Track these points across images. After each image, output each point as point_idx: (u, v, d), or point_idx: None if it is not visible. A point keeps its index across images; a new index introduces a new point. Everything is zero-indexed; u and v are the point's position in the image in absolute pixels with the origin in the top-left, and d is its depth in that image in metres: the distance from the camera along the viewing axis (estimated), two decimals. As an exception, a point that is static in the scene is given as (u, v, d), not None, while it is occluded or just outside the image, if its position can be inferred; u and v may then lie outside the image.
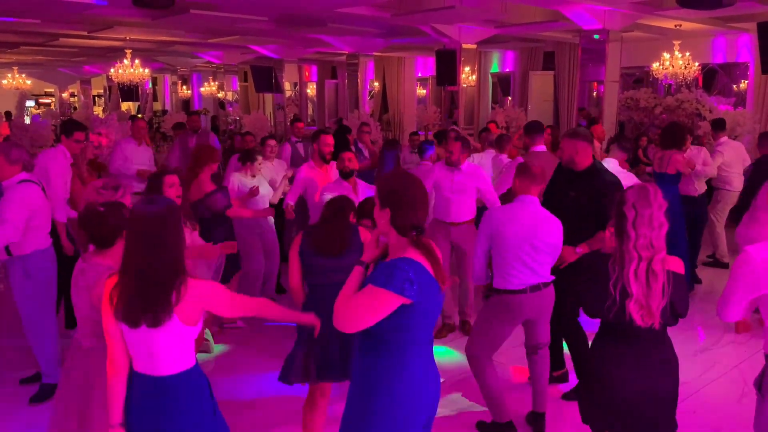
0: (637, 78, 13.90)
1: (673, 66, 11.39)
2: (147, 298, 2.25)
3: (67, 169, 5.05)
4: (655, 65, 11.65)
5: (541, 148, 5.74)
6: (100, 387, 2.55)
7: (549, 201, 4.08)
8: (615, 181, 4.02)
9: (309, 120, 20.33)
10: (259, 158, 5.79)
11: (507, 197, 5.30)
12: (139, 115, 19.41)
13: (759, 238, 5.28)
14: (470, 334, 3.91)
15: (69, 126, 5.24)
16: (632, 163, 8.14)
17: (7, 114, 16.79)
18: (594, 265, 2.61)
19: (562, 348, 4.50)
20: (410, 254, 2.27)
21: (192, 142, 8.35)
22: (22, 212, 3.99)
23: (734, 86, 12.63)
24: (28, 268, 4.14)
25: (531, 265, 3.60)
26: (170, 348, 2.31)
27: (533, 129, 5.81)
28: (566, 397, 4.29)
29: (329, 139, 5.55)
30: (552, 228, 3.62)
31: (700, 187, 6.92)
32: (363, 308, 2.22)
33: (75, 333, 2.91)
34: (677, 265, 2.54)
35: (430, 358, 2.39)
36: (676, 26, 10.89)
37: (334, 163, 5.48)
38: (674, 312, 2.52)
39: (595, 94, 15.97)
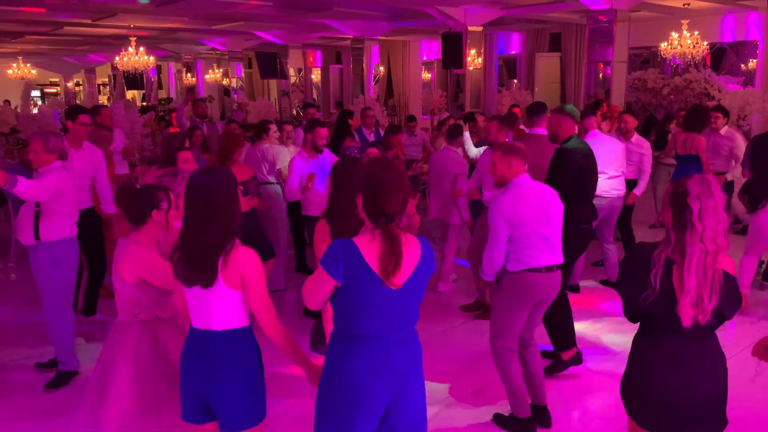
0: (645, 58, 13.78)
1: (681, 45, 11.27)
2: (200, 262, 2.39)
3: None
4: (663, 45, 11.54)
5: (540, 131, 5.53)
6: (144, 361, 2.78)
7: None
8: (560, 150, 4.45)
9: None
10: (272, 126, 6.20)
11: None
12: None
13: None
14: (491, 325, 3.84)
15: (73, 110, 5.32)
16: (658, 146, 8.05)
17: (6, 102, 16.80)
18: (631, 255, 2.53)
19: (572, 328, 4.50)
20: (358, 238, 2.28)
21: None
22: (56, 185, 4.10)
23: (743, 65, 12.50)
24: (56, 255, 4.18)
25: (551, 240, 3.58)
26: (221, 306, 2.44)
27: (532, 110, 5.66)
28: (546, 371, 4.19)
29: (324, 132, 5.61)
30: (555, 197, 3.68)
31: (732, 171, 6.90)
32: (310, 283, 2.35)
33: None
34: (729, 264, 2.43)
35: (383, 360, 2.30)
36: (684, 5, 10.77)
37: (326, 153, 5.63)
38: (721, 314, 2.43)
39: (602, 75, 15.86)
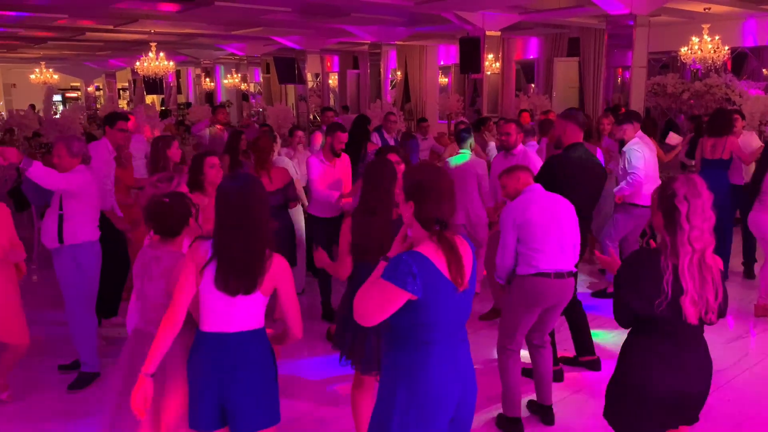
0: (664, 63, 13.66)
1: (701, 50, 11.16)
2: (243, 269, 2.42)
3: (108, 163, 5.19)
4: (683, 50, 11.43)
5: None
6: (171, 371, 2.67)
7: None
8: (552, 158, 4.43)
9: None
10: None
11: None
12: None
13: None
14: (499, 325, 3.91)
15: (112, 117, 5.40)
16: (690, 155, 7.95)
17: (31, 107, 17.05)
18: (633, 262, 2.54)
19: (589, 333, 4.49)
20: (423, 248, 2.24)
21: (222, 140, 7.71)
22: (76, 182, 4.16)
23: (764, 70, 12.35)
24: (79, 258, 4.25)
25: (562, 244, 3.61)
26: (247, 310, 2.48)
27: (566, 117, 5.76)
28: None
29: (344, 137, 5.63)
30: (568, 206, 3.70)
31: (747, 175, 6.82)
32: (372, 301, 2.23)
33: (130, 323, 3.00)
34: (716, 260, 2.49)
35: (453, 359, 2.32)
36: (705, 9, 10.68)
37: (344, 157, 5.61)
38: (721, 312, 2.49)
39: (620, 80, 15.76)
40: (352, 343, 3.27)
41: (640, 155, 5.63)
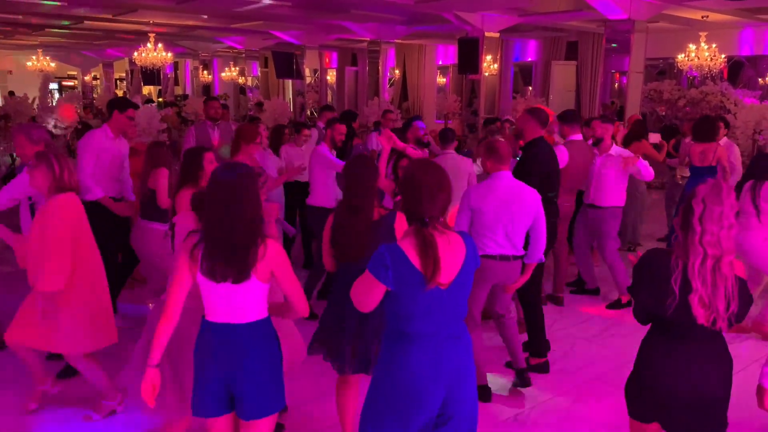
0: (661, 69, 13.74)
1: (698, 57, 11.24)
2: (231, 258, 2.42)
3: (104, 149, 5.06)
4: (680, 57, 11.51)
5: (578, 136, 5.73)
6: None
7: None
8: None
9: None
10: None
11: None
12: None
13: (754, 243, 5.10)
14: None
15: (123, 102, 5.28)
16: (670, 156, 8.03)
17: (11, 93, 16.84)
18: (647, 262, 2.55)
19: (543, 335, 4.56)
20: (404, 241, 2.30)
21: (213, 135, 7.03)
22: (23, 190, 4.02)
23: (760, 79, 12.44)
24: None
25: (510, 234, 3.87)
26: (248, 300, 2.48)
27: (569, 117, 5.82)
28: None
29: (343, 128, 6.01)
30: (528, 197, 3.87)
31: (733, 183, 6.86)
32: (358, 288, 2.38)
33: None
34: (740, 269, 2.47)
35: (436, 356, 2.33)
36: (702, 17, 10.74)
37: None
38: (734, 316, 2.47)
39: (617, 85, 15.82)
40: (331, 344, 3.29)
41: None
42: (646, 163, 5.66)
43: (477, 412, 2.52)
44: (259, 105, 16.67)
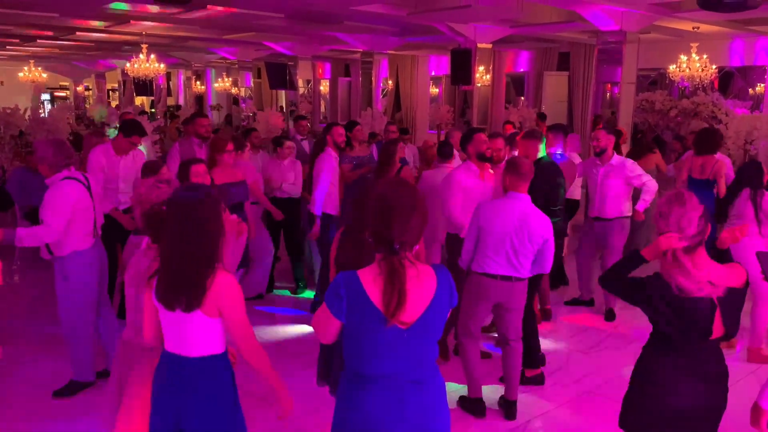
0: (653, 80, 13.82)
1: (689, 68, 11.31)
2: (182, 284, 2.26)
3: (102, 168, 5.17)
4: (671, 67, 11.58)
5: (557, 149, 5.74)
6: (130, 389, 2.65)
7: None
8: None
9: (321, 117, 20.38)
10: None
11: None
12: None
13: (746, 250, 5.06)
14: (458, 317, 4.13)
15: (131, 127, 5.28)
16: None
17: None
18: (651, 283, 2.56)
19: (537, 345, 4.54)
20: (365, 270, 2.04)
21: (200, 154, 6.23)
22: (64, 212, 3.92)
23: (750, 90, 12.53)
24: (65, 269, 4.09)
25: (512, 259, 3.84)
26: (199, 332, 2.33)
27: (554, 129, 5.86)
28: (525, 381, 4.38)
29: (341, 130, 5.84)
30: (539, 224, 3.82)
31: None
32: (318, 317, 2.14)
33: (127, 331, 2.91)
34: (738, 276, 2.50)
35: (399, 403, 2.08)
36: (693, 28, 10.81)
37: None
38: (727, 334, 2.51)
39: (609, 95, 15.90)
40: (326, 364, 3.27)
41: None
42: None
43: None
44: (247, 132, 16.60)
